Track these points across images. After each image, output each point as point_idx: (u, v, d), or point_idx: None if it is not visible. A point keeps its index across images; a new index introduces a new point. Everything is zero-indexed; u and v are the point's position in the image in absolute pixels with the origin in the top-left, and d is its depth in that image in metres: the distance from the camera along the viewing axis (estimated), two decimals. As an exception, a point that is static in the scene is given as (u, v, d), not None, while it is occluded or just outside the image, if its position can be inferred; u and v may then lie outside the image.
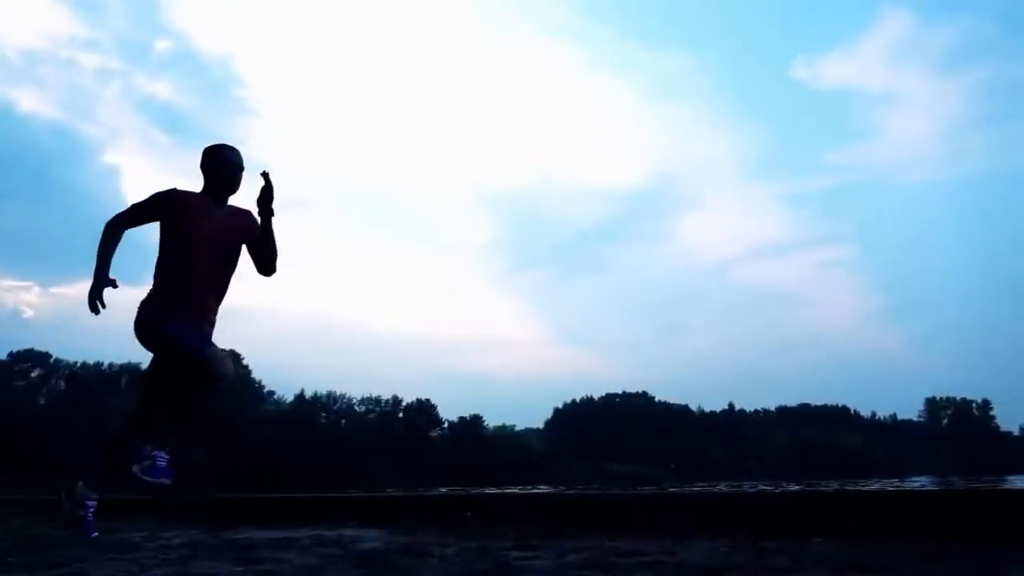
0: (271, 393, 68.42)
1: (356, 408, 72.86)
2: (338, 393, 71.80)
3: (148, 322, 2.85)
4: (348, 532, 2.72)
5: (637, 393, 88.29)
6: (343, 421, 70.27)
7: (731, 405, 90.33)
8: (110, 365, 60.04)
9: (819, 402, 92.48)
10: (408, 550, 2.16)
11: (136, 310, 2.91)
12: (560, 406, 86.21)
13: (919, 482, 28.21)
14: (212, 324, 3.03)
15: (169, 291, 2.90)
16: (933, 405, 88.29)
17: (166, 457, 2.75)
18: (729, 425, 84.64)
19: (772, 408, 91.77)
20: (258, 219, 3.03)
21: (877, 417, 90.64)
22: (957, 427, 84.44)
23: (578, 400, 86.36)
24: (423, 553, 2.11)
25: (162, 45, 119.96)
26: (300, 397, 68.53)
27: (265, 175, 3.00)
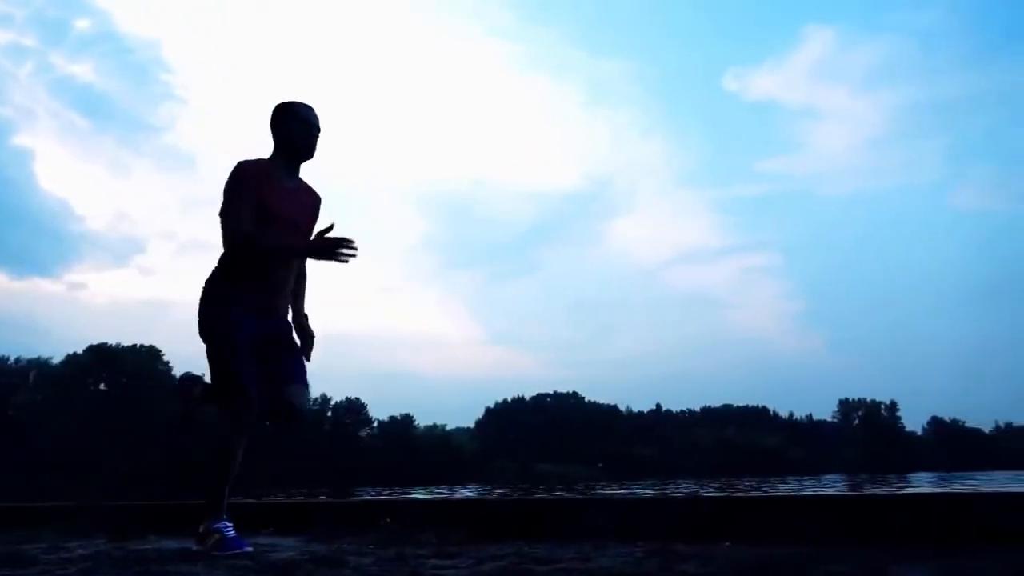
0: (196, 391, 65.85)
1: (283, 407, 71.09)
2: (264, 391, 69.84)
3: (216, 310, 2.48)
4: (263, 541, 2.65)
5: (568, 393, 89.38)
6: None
7: (658, 405, 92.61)
8: (17, 360, 56.70)
9: (741, 403, 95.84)
10: (322, 560, 2.12)
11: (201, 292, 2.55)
12: (491, 406, 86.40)
13: (831, 480, 29.63)
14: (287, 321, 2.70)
15: (244, 280, 2.52)
16: (845, 406, 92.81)
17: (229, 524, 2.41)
18: (656, 425, 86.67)
19: (697, 409, 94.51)
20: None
21: (794, 418, 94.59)
22: (867, 427, 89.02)
23: (509, 400, 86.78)
24: (338, 563, 2.07)
25: (82, 24, 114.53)
26: (225, 395, 66.27)
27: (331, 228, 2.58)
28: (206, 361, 2.53)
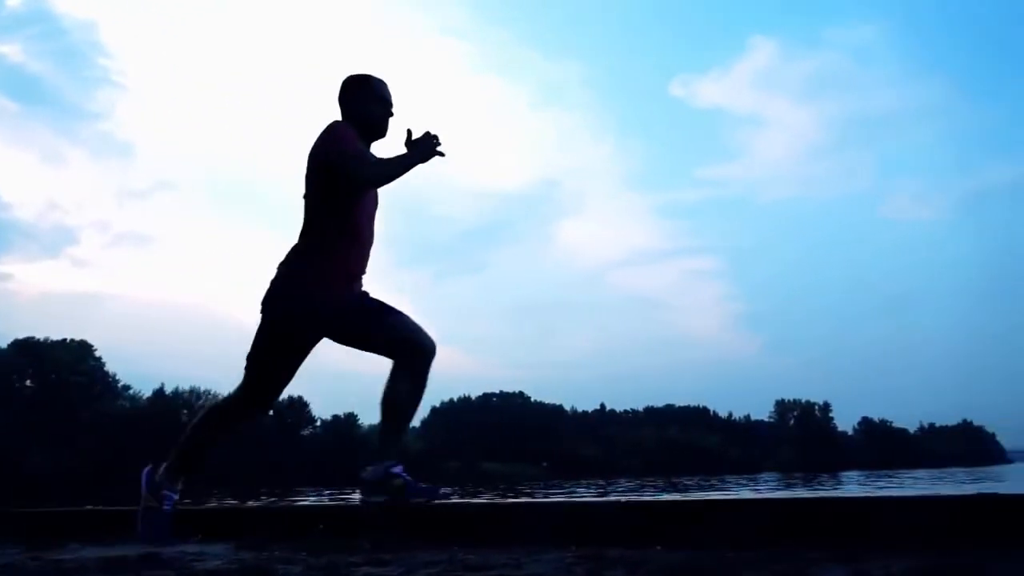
0: (126, 388, 63.67)
1: (222, 405, 69.35)
2: (203, 388, 67.93)
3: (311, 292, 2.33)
4: (191, 549, 2.58)
5: (514, 393, 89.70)
6: (207, 419, 66.63)
7: (603, 405, 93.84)
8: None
9: (682, 403, 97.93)
10: (251, 568, 2.07)
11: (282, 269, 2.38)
12: (437, 405, 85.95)
13: (767, 479, 30.56)
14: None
15: (336, 254, 2.36)
16: (782, 407, 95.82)
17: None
18: (600, 425, 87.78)
19: (640, 409, 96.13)
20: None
21: (733, 418, 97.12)
22: (801, 427, 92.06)
23: (456, 399, 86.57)
24: (266, 571, 2.03)
25: (13, 2, 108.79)
26: (160, 392, 64.23)
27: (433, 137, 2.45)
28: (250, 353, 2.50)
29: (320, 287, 2.35)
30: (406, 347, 2.40)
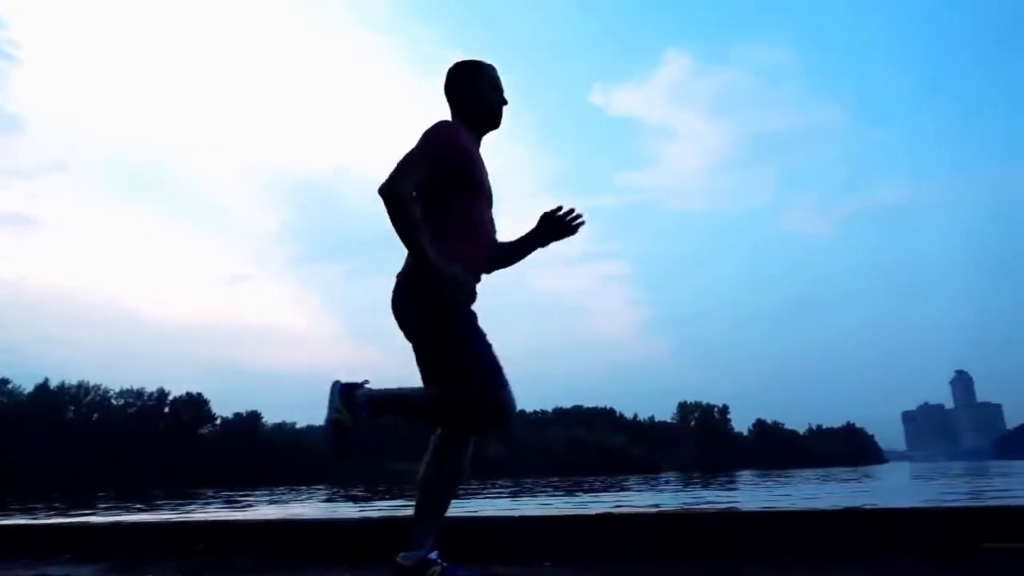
0: (5, 382, 59.17)
1: (113, 401, 65.42)
2: (91, 383, 63.99)
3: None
4: (55, 571, 2.41)
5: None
6: (95, 416, 62.62)
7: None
8: None
9: (591, 404, 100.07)
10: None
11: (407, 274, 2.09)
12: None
13: (667, 478, 31.59)
14: None
15: (463, 260, 2.09)
16: (684, 408, 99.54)
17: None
18: (514, 424, 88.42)
19: (550, 409, 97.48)
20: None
21: (638, 418, 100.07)
22: (701, 428, 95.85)
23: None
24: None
25: None
26: (43, 387, 59.98)
27: (576, 216, 2.32)
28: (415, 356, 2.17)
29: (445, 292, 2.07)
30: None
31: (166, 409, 66.58)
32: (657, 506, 8.81)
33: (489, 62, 2.32)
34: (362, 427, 1.99)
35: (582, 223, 2.22)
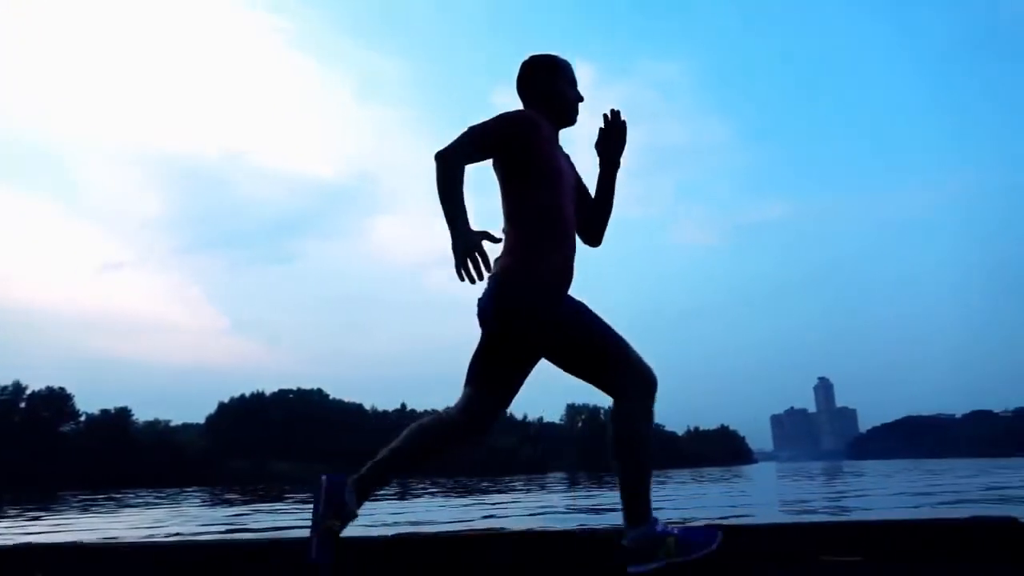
0: None
1: (-40, 396, 59.41)
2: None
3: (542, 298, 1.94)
4: None
5: (312, 390, 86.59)
6: (-63, 411, 56.63)
7: (403, 405, 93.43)
8: None
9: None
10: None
11: (501, 275, 1.97)
12: (226, 400, 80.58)
13: (554, 478, 32.23)
14: None
15: (557, 255, 2.00)
16: (572, 410, 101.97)
17: None
18: (401, 425, 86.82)
19: (441, 409, 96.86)
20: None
21: (528, 419, 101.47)
22: (588, 430, 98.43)
23: (247, 395, 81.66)
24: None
25: None
26: None
27: (616, 113, 2.23)
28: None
29: (534, 290, 1.99)
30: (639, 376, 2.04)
31: (22, 404, 61.11)
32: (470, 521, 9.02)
33: (564, 57, 2.24)
34: (350, 520, 1.95)
35: (470, 280, 1.94)
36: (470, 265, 1.85)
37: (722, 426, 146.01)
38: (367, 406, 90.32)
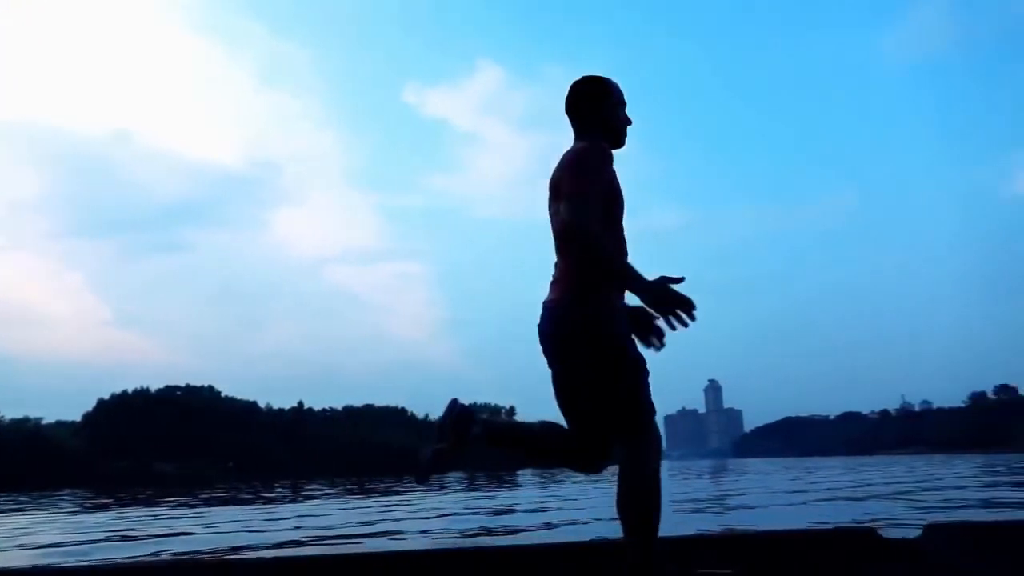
0: None
1: None
2: None
3: (607, 322, 1.91)
4: None
5: (202, 387, 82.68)
6: None
7: (300, 403, 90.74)
8: None
9: (382, 403, 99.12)
10: None
11: (568, 303, 1.94)
12: (106, 397, 75.70)
13: (453, 479, 32.21)
14: None
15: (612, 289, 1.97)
16: (476, 409, 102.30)
17: None
18: (297, 423, 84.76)
19: (339, 407, 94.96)
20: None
21: (429, 419, 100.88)
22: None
23: (130, 391, 77.02)
24: None
25: None
26: None
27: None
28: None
29: (613, 321, 1.99)
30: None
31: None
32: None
33: (613, 78, 2.22)
34: (462, 455, 1.97)
35: (686, 325, 1.92)
36: (680, 313, 1.86)
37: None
38: (262, 404, 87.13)
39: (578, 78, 2.19)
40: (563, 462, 2.08)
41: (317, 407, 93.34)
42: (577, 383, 1.98)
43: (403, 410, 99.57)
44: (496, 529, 6.19)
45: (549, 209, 2.11)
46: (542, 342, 2.04)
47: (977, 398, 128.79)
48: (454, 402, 2.03)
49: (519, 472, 49.59)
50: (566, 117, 2.17)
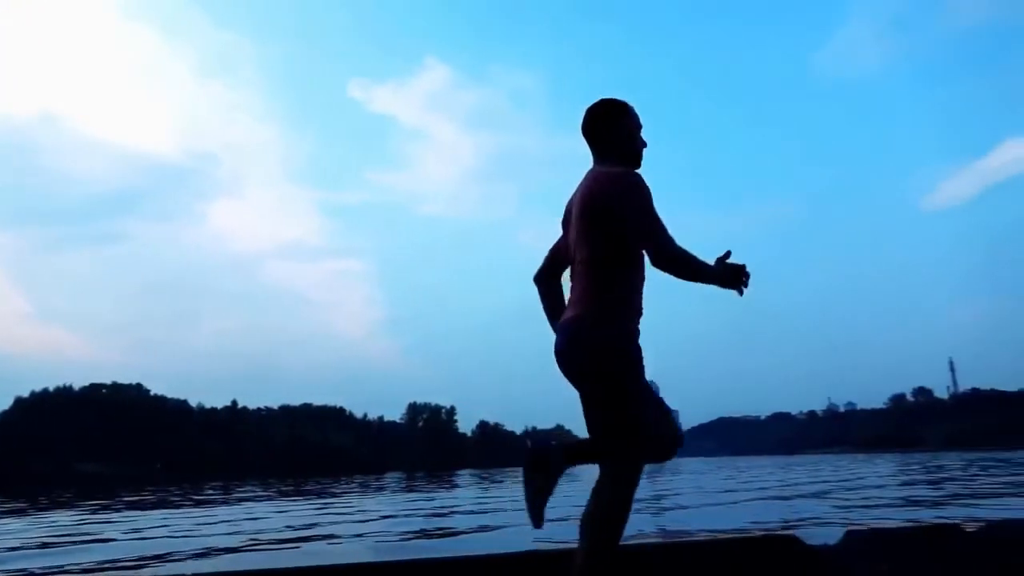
0: None
1: None
2: None
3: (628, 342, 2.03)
4: None
5: (130, 385, 79.65)
6: None
7: (235, 402, 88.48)
8: None
9: (320, 402, 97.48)
10: None
11: (595, 320, 2.02)
12: (26, 395, 72.13)
13: (392, 478, 31.94)
14: None
15: (636, 310, 2.10)
16: (413, 409, 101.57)
17: None
18: (231, 423, 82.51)
19: (276, 406, 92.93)
20: None
21: (368, 418, 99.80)
22: (429, 429, 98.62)
23: (52, 389, 73.56)
24: None
25: None
26: None
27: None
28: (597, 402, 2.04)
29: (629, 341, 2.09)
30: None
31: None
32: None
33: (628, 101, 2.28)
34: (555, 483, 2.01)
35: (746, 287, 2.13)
36: (742, 283, 2.06)
37: (558, 425, 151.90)
38: (193, 403, 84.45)
39: (596, 101, 2.24)
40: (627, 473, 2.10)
41: (252, 406, 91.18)
42: (592, 401, 2.07)
43: (342, 410, 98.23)
44: (434, 532, 6.15)
45: (570, 226, 2.17)
46: (560, 362, 2.11)
47: (897, 400, 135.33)
48: (527, 447, 2.10)
49: (458, 472, 49.54)
50: (582, 138, 2.24)
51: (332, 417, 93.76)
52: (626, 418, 2.00)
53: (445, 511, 8.95)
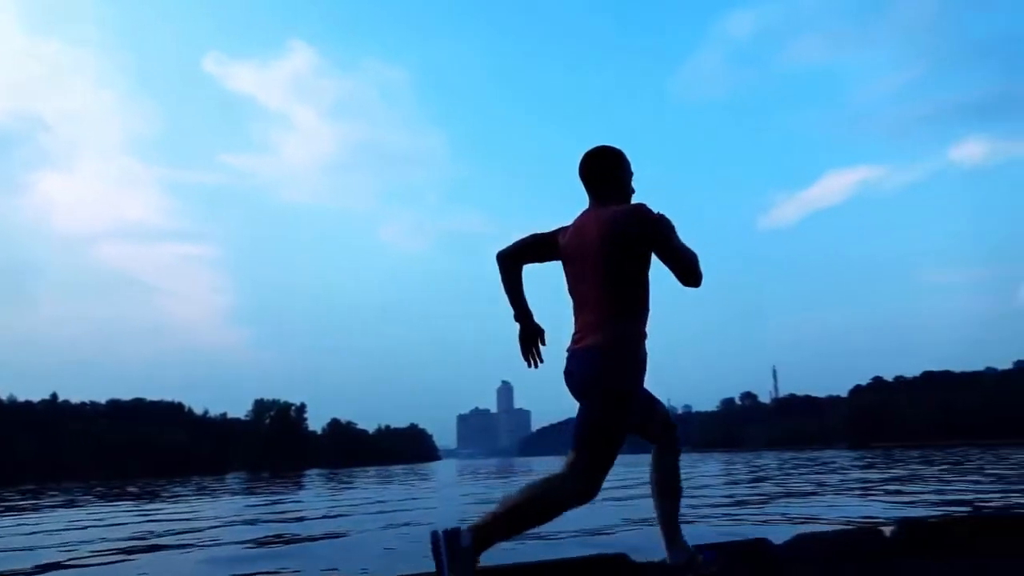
0: None
1: None
2: None
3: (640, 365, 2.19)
4: None
5: (-77, 374, 69.77)
6: None
7: (55, 396, 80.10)
8: None
9: (155, 397, 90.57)
10: None
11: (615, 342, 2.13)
12: None
13: (234, 478, 30.26)
14: None
15: (645, 334, 2.24)
16: (260, 406, 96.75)
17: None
18: (50, 419, 74.49)
19: (103, 401, 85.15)
20: None
21: (209, 415, 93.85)
22: (276, 426, 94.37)
23: None
24: None
25: None
26: None
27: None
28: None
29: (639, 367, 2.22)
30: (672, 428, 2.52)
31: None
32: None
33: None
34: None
35: (535, 363, 2.39)
36: (534, 352, 2.41)
37: (412, 424, 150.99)
38: (4, 395, 75.49)
39: (593, 148, 2.37)
40: (560, 511, 2.14)
41: (75, 400, 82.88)
42: (586, 417, 2.16)
43: (180, 405, 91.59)
44: (274, 541, 5.88)
45: (578, 261, 2.25)
46: (569, 384, 2.22)
47: (727, 403, 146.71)
48: (436, 539, 1.99)
49: (305, 472, 47.82)
50: (581, 183, 2.34)
51: (168, 413, 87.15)
52: (608, 433, 2.13)
53: (294, 516, 8.60)
